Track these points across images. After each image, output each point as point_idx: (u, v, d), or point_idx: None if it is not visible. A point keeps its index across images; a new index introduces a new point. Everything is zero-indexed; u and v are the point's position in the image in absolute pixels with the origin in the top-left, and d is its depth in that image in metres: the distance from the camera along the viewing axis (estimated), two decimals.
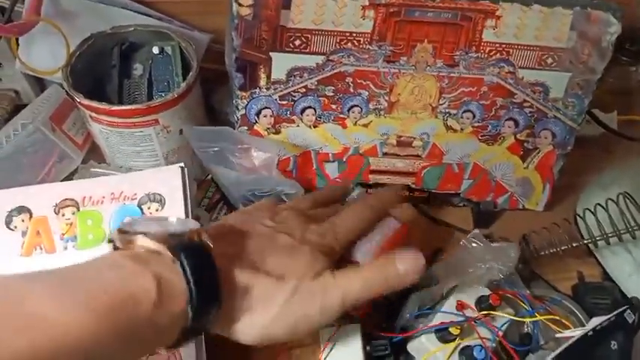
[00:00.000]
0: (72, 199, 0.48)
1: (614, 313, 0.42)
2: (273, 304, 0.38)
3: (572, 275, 0.55)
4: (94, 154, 0.59)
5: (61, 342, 0.28)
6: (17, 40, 0.55)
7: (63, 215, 0.47)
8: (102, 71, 0.56)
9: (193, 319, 0.33)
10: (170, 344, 0.34)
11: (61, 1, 0.55)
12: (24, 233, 0.47)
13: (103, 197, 0.48)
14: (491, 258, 0.48)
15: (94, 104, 0.50)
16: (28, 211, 0.48)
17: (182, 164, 0.49)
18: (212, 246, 0.35)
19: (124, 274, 0.32)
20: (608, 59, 0.49)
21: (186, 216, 0.48)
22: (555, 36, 0.48)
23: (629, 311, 0.42)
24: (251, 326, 0.38)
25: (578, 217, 0.54)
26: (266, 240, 0.40)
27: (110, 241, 0.36)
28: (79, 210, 0.47)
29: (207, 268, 0.34)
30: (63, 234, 0.47)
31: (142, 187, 0.48)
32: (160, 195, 0.48)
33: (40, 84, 0.63)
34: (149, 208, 0.47)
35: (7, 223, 0.47)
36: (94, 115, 0.51)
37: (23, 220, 0.47)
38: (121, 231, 0.35)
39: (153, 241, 0.34)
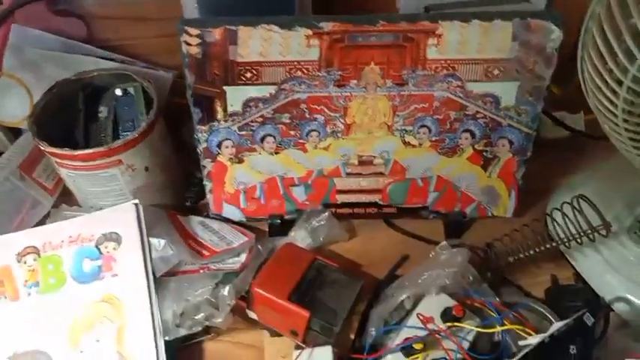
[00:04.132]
0: (33, 247, 0.49)
1: (573, 317, 0.42)
2: None
3: (546, 279, 0.55)
4: (68, 197, 0.60)
5: None
6: None
7: (25, 262, 0.49)
8: (69, 116, 0.58)
9: None
10: None
11: (25, 53, 0.57)
12: None
13: (62, 241, 0.49)
14: (439, 265, 0.48)
15: (57, 150, 0.51)
16: None
17: (136, 201, 0.50)
18: None
19: None
20: (555, 65, 0.49)
21: (142, 250, 0.49)
22: (498, 47, 0.48)
23: (587, 314, 0.43)
24: None
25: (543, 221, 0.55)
26: None
27: None
28: (39, 256, 0.49)
29: None
30: (26, 281, 0.48)
31: (99, 227, 0.49)
32: (116, 234, 0.49)
33: (15, 132, 0.65)
34: (106, 247, 0.49)
35: None
36: (59, 160, 0.53)
37: None
38: None
39: None
